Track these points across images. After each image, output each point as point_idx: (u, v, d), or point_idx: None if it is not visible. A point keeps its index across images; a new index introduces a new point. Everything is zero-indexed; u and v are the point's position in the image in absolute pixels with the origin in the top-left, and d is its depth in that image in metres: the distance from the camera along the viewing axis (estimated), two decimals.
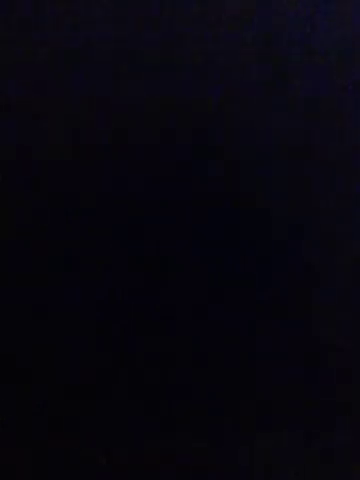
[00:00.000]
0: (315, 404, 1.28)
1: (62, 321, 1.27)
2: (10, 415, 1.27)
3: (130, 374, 1.27)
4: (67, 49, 1.28)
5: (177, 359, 1.27)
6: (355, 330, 1.29)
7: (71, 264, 1.27)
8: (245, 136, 1.29)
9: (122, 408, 1.27)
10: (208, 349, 1.28)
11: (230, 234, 1.28)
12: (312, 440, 1.28)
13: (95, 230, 1.28)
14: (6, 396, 1.27)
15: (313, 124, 1.29)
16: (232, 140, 1.29)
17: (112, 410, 1.27)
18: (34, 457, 1.26)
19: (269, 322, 1.28)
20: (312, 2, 1.30)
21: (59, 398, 1.27)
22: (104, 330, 1.27)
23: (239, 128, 1.29)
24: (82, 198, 1.28)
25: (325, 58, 1.30)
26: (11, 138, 1.28)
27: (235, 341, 1.27)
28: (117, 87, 1.29)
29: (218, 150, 1.29)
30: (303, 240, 1.29)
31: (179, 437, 1.27)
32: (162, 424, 1.27)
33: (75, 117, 1.28)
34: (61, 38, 1.28)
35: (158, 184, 1.28)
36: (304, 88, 1.29)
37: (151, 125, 1.29)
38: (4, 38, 1.28)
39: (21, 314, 1.27)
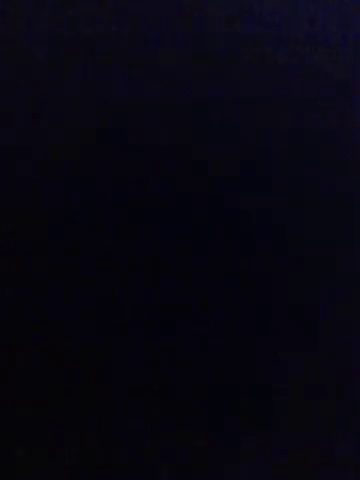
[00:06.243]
0: (315, 404, 1.28)
1: (61, 320, 1.27)
2: (9, 415, 1.27)
3: (130, 373, 1.27)
4: (66, 48, 1.29)
5: (177, 358, 1.28)
6: (355, 330, 1.29)
7: (70, 264, 1.28)
8: (245, 136, 1.29)
9: (122, 408, 1.27)
10: (208, 348, 1.28)
11: (230, 234, 1.28)
12: (312, 440, 1.28)
13: (95, 230, 1.28)
14: (6, 396, 1.27)
15: (314, 124, 1.29)
16: (232, 140, 1.29)
17: (112, 409, 1.27)
18: (33, 457, 1.26)
19: (269, 322, 1.28)
20: (312, 2, 1.30)
21: (59, 397, 1.27)
22: (104, 329, 1.27)
23: (239, 128, 1.29)
24: (82, 198, 1.28)
25: (324, 58, 1.30)
26: (11, 138, 1.28)
27: (236, 340, 1.28)
28: (116, 87, 1.29)
29: (218, 150, 1.29)
30: (303, 240, 1.29)
31: (179, 437, 1.27)
32: (162, 424, 1.27)
33: (74, 117, 1.28)
34: (60, 37, 1.29)
35: (158, 184, 1.29)
36: (303, 88, 1.30)
37: (151, 125, 1.29)
38: (4, 37, 1.29)
39: (20, 314, 1.27)
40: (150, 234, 1.28)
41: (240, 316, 1.28)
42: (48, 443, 1.27)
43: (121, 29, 1.29)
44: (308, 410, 1.28)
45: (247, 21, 1.29)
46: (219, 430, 1.27)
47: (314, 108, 1.30)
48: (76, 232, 1.28)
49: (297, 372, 1.28)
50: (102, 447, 1.27)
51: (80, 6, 1.29)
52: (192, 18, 1.29)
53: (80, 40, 1.29)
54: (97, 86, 1.29)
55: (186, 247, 1.28)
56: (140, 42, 1.29)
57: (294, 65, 1.29)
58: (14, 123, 1.28)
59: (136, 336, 1.27)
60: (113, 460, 1.27)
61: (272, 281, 1.28)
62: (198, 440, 1.27)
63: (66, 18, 1.29)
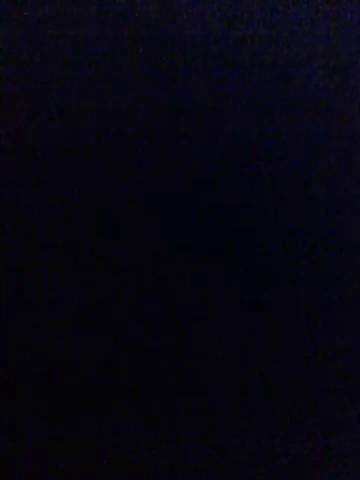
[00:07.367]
0: (315, 404, 1.28)
1: (62, 320, 1.27)
2: (9, 414, 1.27)
3: (130, 373, 1.27)
4: (66, 48, 1.29)
5: (177, 358, 1.27)
6: (355, 330, 1.29)
7: (70, 264, 1.27)
8: (245, 136, 1.29)
9: (122, 407, 1.27)
10: (208, 348, 1.28)
11: (230, 234, 1.28)
12: (312, 440, 1.28)
13: (95, 230, 1.28)
14: (6, 396, 1.27)
15: (314, 124, 1.29)
16: (232, 140, 1.29)
17: (112, 409, 1.27)
18: (33, 457, 1.26)
19: (270, 322, 1.28)
20: (312, 2, 1.30)
21: (59, 397, 1.27)
22: (104, 329, 1.27)
23: (239, 128, 1.29)
24: (82, 198, 1.28)
25: (324, 58, 1.30)
26: (11, 138, 1.28)
27: (236, 340, 1.27)
28: (116, 87, 1.29)
29: (218, 150, 1.29)
30: (304, 240, 1.29)
31: (179, 437, 1.27)
32: (162, 424, 1.27)
33: (74, 117, 1.28)
34: (59, 37, 1.29)
35: (158, 184, 1.29)
36: (303, 88, 1.30)
37: (151, 125, 1.29)
38: (4, 37, 1.29)
39: (20, 314, 1.27)
40: (150, 234, 1.28)
41: (240, 316, 1.28)
42: (48, 443, 1.27)
43: (121, 29, 1.29)
44: (308, 410, 1.28)
45: (247, 21, 1.29)
46: (219, 430, 1.27)
47: (314, 108, 1.29)
48: (76, 232, 1.28)
49: (297, 372, 1.28)
50: (102, 447, 1.27)
51: (80, 6, 1.29)
52: (192, 18, 1.29)
53: (80, 40, 1.29)
54: (97, 86, 1.29)
55: (186, 246, 1.28)
56: (140, 42, 1.29)
57: (294, 65, 1.29)
58: (14, 123, 1.28)
59: (136, 336, 1.27)
60: (113, 460, 1.27)
61: (272, 281, 1.28)
62: (198, 440, 1.27)
63: (66, 18, 1.29)
